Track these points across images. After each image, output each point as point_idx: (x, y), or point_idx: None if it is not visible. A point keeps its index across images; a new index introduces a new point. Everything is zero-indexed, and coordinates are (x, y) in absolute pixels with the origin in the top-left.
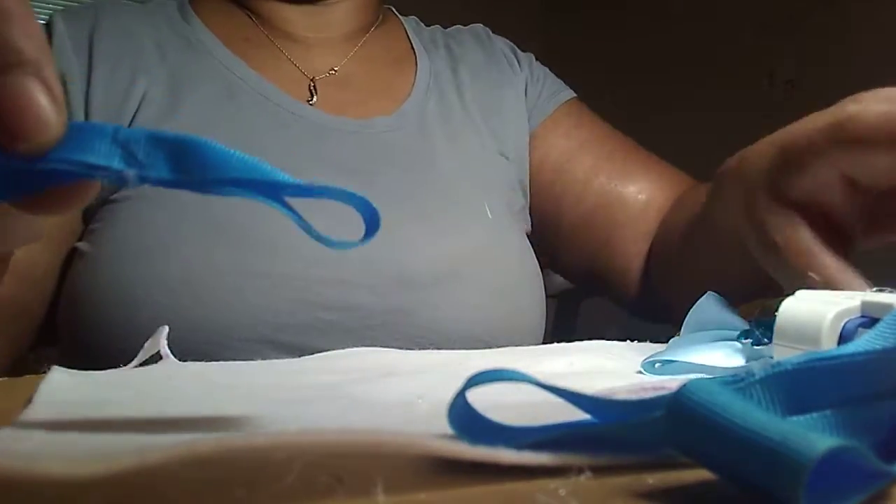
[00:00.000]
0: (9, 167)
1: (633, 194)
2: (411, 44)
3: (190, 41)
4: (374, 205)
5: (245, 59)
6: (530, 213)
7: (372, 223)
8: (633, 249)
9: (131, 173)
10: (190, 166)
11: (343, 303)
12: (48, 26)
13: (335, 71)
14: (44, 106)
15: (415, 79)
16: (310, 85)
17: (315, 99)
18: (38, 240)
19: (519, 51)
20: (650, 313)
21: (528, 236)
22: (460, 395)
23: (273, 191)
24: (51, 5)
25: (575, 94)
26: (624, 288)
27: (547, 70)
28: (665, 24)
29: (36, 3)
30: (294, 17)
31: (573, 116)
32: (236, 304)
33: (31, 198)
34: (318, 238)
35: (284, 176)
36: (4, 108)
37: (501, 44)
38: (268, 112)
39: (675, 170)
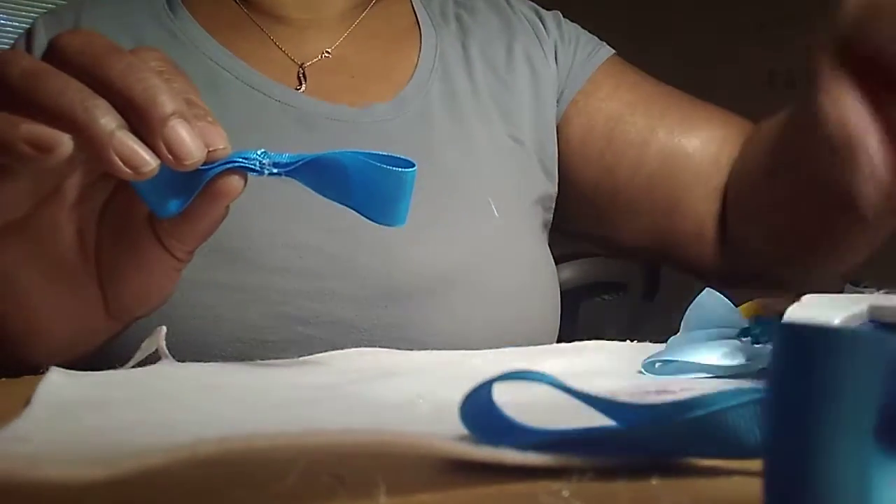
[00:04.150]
0: (175, 178)
1: (700, 147)
2: (417, 18)
3: (174, 34)
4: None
5: (231, 47)
6: (573, 195)
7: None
8: (704, 209)
9: (265, 160)
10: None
11: (325, 317)
12: (29, 33)
13: (328, 54)
14: (187, 140)
15: (418, 59)
16: (298, 72)
17: (304, 87)
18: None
19: (544, 11)
20: (732, 277)
21: (573, 222)
22: (478, 391)
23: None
24: (44, 4)
25: (614, 51)
26: (699, 255)
27: (579, 28)
28: (664, 25)
29: (30, 3)
30: None
31: (615, 76)
32: (209, 320)
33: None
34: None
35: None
36: (168, 142)
37: (524, 8)
38: (254, 103)
39: (739, 117)
